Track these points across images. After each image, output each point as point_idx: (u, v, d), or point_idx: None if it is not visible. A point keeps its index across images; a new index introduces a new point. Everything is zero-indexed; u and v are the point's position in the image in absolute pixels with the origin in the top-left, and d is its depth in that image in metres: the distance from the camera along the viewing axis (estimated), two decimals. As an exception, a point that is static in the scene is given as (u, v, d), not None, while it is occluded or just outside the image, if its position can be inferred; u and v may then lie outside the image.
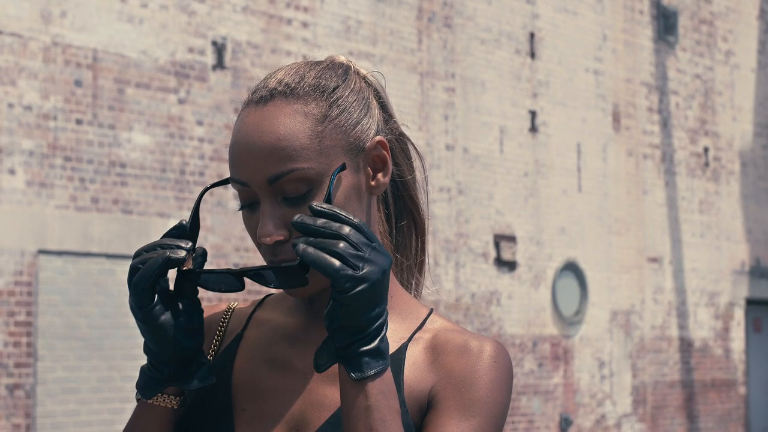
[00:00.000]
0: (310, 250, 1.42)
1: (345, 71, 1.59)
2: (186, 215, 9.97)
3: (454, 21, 12.54)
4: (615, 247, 14.17)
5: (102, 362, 9.50)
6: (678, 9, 15.20)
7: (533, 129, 13.24)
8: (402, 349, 1.58)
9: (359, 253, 1.42)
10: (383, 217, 1.67)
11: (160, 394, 1.57)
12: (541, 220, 13.28)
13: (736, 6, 16.20)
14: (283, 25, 10.92)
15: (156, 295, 1.52)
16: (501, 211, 12.84)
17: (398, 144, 1.64)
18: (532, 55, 13.32)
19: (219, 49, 10.39)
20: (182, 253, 1.51)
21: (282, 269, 1.48)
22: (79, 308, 9.41)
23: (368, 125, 1.56)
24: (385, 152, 1.57)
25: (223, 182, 1.62)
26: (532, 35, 13.33)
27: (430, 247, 12.09)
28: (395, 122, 1.63)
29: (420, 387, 1.55)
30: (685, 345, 15.06)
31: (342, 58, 1.63)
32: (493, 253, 12.74)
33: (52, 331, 9.25)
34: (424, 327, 1.61)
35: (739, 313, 15.91)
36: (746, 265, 16.00)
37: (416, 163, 1.68)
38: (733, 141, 15.98)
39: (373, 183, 1.58)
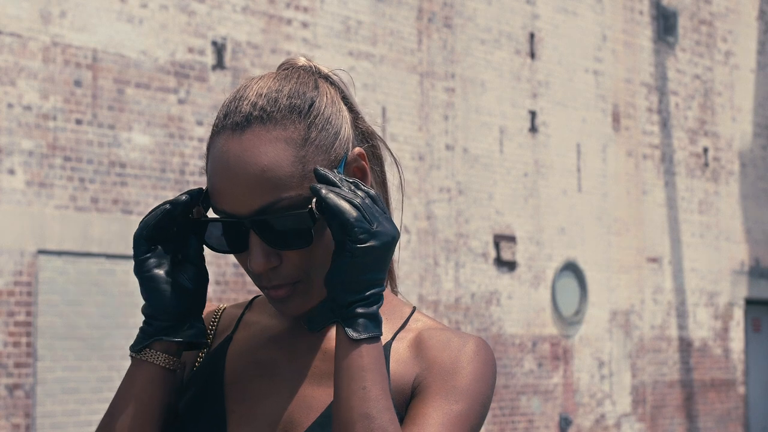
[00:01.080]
0: (332, 195, 1.46)
1: (315, 82, 1.58)
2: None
3: (454, 21, 12.55)
4: (615, 247, 14.17)
5: (102, 362, 9.50)
6: (678, 9, 15.21)
7: (533, 129, 13.25)
8: (386, 347, 1.59)
9: (373, 214, 1.47)
10: None
11: (149, 349, 1.56)
12: (540, 220, 13.28)
13: (736, 6, 16.20)
14: (283, 25, 10.92)
15: (153, 248, 1.55)
16: (501, 211, 12.85)
17: (367, 144, 1.64)
18: (532, 55, 13.32)
19: (219, 49, 10.40)
20: (184, 197, 1.54)
21: (291, 216, 1.49)
22: (79, 308, 9.42)
23: (345, 137, 1.56)
24: (364, 162, 1.58)
25: None
26: (532, 35, 13.33)
27: (430, 248, 12.13)
28: (362, 118, 1.63)
29: (404, 380, 1.56)
30: (685, 345, 15.06)
31: (302, 60, 1.62)
32: (492, 253, 12.74)
33: (51, 331, 9.26)
34: (407, 326, 1.63)
35: (739, 313, 15.92)
36: (745, 265, 16.00)
37: (386, 159, 1.68)
38: (733, 141, 15.98)
39: None
